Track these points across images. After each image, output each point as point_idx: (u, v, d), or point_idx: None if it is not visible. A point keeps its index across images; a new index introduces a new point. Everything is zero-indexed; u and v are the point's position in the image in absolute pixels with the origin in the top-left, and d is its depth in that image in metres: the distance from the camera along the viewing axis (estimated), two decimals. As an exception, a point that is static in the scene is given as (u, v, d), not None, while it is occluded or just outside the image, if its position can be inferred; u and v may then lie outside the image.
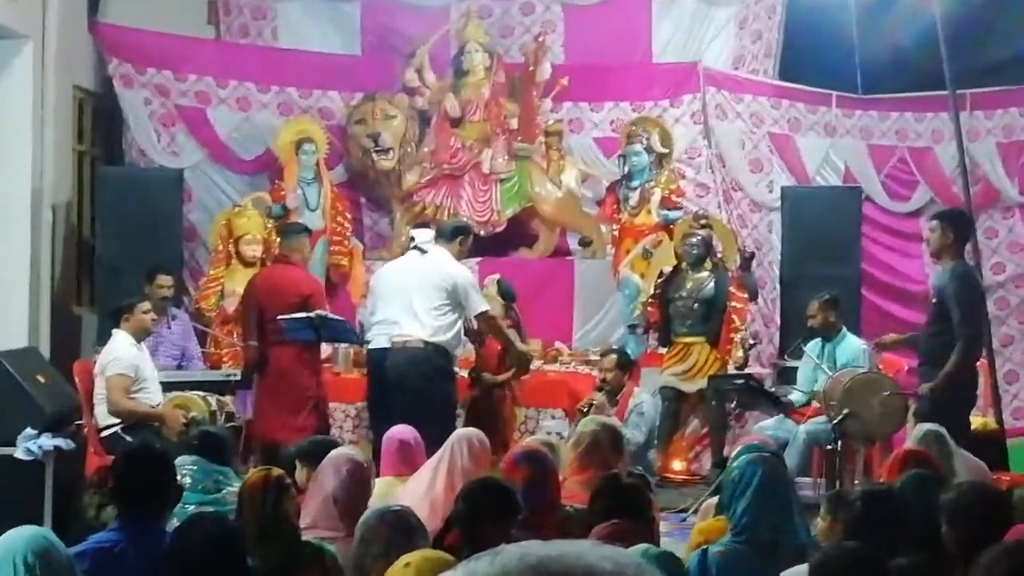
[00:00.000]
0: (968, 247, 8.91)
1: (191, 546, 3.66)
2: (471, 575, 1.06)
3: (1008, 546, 3.65)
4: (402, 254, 11.38)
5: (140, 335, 8.74)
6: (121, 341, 8.64)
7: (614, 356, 9.88)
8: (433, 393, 8.39)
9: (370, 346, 8.80)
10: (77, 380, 8.71)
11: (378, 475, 6.40)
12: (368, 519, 4.33)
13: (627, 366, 9.91)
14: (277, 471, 4.88)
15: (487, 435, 7.43)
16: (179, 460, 6.09)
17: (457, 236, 8.91)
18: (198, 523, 3.90)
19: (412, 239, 9.11)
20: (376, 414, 8.69)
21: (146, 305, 8.84)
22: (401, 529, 4.21)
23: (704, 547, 4.82)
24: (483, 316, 8.69)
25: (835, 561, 3.86)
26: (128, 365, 8.50)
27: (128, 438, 8.10)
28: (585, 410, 8.93)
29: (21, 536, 3.44)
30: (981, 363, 9.18)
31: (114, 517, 4.64)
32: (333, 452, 5.76)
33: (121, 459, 4.60)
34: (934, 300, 8.38)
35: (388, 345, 8.50)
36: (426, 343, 8.43)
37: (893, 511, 4.62)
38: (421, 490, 5.83)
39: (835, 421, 8.39)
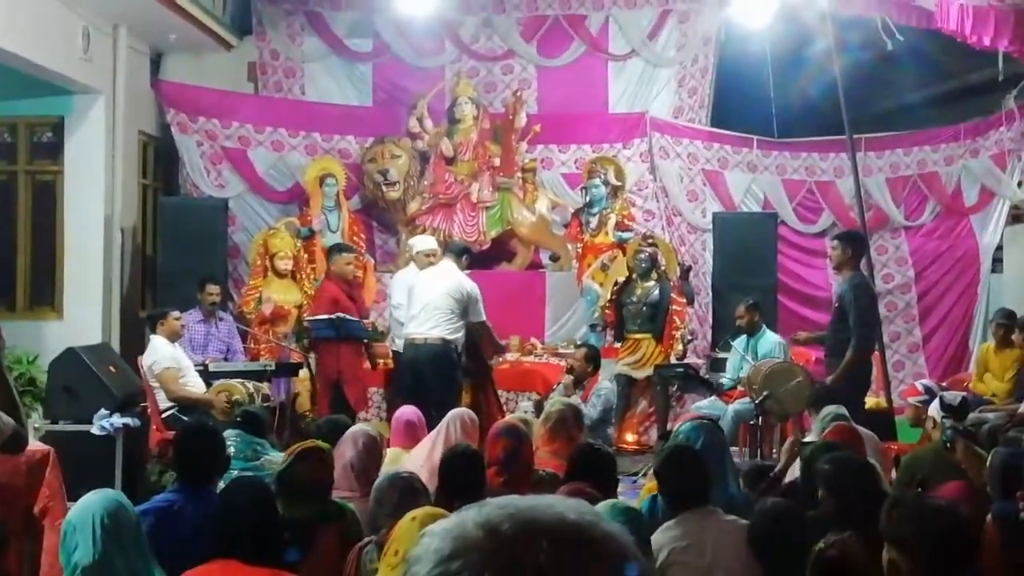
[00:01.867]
0: (863, 262, 8.93)
1: (234, 505, 3.65)
2: (462, 522, 1.07)
3: (903, 495, 3.64)
4: (407, 267, 11.54)
5: (173, 337, 8.68)
6: (159, 342, 8.59)
7: (584, 349, 9.78)
8: (449, 381, 8.59)
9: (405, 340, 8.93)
10: (141, 370, 8.67)
11: (388, 446, 6.42)
12: (381, 483, 4.34)
13: (593, 359, 9.79)
14: (322, 444, 4.84)
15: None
16: (224, 432, 6.08)
17: (464, 255, 9.23)
18: (239, 486, 3.89)
19: (411, 247, 9.60)
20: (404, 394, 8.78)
21: (176, 313, 8.80)
22: (408, 491, 4.22)
23: (653, 493, 4.84)
24: (481, 323, 8.81)
25: (767, 513, 3.88)
26: (171, 358, 8.47)
27: (184, 418, 8.09)
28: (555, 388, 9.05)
29: (97, 498, 3.44)
30: (875, 355, 9.22)
31: (173, 481, 4.64)
32: (352, 427, 5.77)
33: (182, 434, 4.60)
34: (835, 305, 8.40)
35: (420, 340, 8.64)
36: (444, 340, 8.53)
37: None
38: (422, 458, 5.84)
39: (756, 401, 8.41)
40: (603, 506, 3.70)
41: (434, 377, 8.40)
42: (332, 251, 9.78)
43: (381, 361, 10.19)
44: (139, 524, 3.37)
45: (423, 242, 9.76)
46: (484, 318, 8.77)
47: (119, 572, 3.16)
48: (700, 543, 4.06)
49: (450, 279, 8.70)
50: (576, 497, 3.91)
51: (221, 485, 4.44)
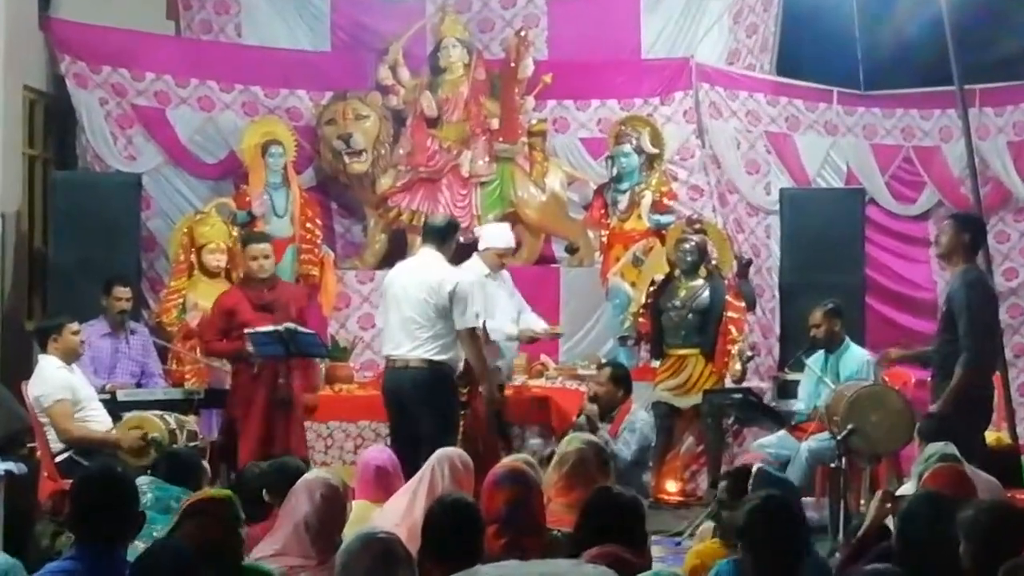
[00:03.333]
0: (980, 253, 8.91)
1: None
2: None
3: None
4: (376, 263, 11.54)
5: (69, 357, 8.65)
6: (49, 366, 8.56)
7: (608, 369, 9.77)
8: (436, 415, 8.46)
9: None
10: (27, 400, 8.66)
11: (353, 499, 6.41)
12: (350, 545, 4.31)
13: (622, 381, 9.78)
14: (216, 493, 4.80)
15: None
16: (138, 480, 6.05)
17: (447, 235, 8.75)
18: (158, 553, 3.87)
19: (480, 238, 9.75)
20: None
21: (75, 326, 8.76)
22: (386, 556, 4.20)
23: (732, 558, 4.82)
24: (466, 331, 8.49)
25: None
26: (64, 387, 8.44)
27: (84, 462, 8.07)
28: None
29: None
30: (996, 375, 9.20)
31: (70, 544, 4.62)
32: (307, 475, 5.74)
33: (78, 483, 4.56)
34: (943, 308, 8.38)
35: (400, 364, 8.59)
36: (429, 362, 8.46)
37: None
38: (398, 515, 5.82)
39: (839, 438, 8.39)
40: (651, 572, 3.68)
41: (420, 411, 8.31)
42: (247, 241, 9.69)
43: (343, 387, 10.18)
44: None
45: (494, 235, 9.62)
46: (472, 324, 8.45)
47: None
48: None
49: (426, 276, 8.47)
50: (602, 563, 3.90)
51: (139, 547, 4.41)
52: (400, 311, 8.47)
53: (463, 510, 4.74)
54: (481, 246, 9.58)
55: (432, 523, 4.62)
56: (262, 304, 9.11)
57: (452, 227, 8.86)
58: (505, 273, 9.79)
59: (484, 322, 8.76)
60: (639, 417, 9.83)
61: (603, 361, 10.51)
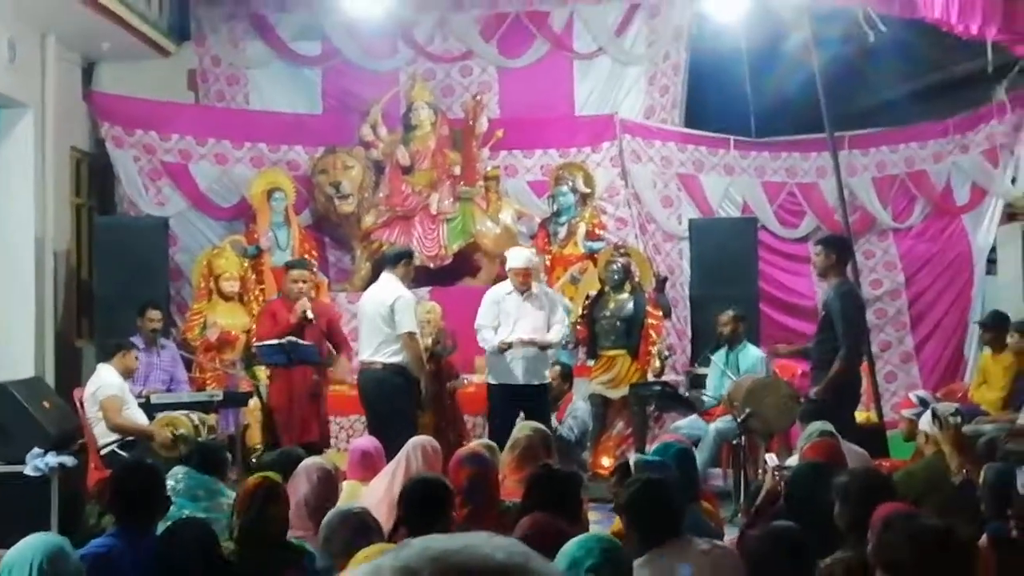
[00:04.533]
0: (849, 267, 8.98)
1: (174, 549, 3.62)
2: (377, 570, 1.05)
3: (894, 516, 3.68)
4: (362, 286, 11.49)
5: (126, 373, 8.70)
6: (107, 372, 8.57)
7: (558, 367, 9.89)
8: (393, 407, 8.38)
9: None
10: (78, 404, 8.62)
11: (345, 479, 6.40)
12: (331, 520, 4.32)
13: (568, 377, 9.94)
14: (273, 477, 4.79)
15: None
16: (173, 470, 6.02)
17: (399, 261, 8.77)
18: (180, 528, 3.86)
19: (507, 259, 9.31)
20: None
21: (137, 352, 8.80)
22: (360, 528, 4.20)
23: None
24: (405, 335, 8.48)
25: (766, 543, 3.87)
26: (116, 387, 8.44)
27: (124, 454, 8.04)
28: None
29: (38, 541, 3.41)
30: (863, 366, 9.26)
31: (111, 524, 4.60)
32: (305, 461, 5.74)
33: (116, 473, 4.56)
34: (821, 314, 8.45)
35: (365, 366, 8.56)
36: (384, 364, 8.43)
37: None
38: (381, 492, 5.81)
39: (739, 420, 8.43)
40: (579, 540, 3.66)
41: (377, 404, 8.33)
42: (288, 267, 9.74)
43: (336, 388, 10.14)
44: (81, 571, 3.34)
45: (510, 257, 9.34)
46: (410, 329, 8.44)
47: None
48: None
49: (376, 295, 8.57)
50: (541, 529, 3.89)
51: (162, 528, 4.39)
52: (365, 325, 8.55)
53: (434, 486, 4.74)
54: (507, 267, 9.35)
55: (408, 497, 4.61)
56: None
57: (401, 255, 8.93)
58: (543, 290, 9.40)
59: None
60: (579, 407, 9.87)
61: (551, 361, 10.52)
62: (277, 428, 9.23)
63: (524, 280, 8.97)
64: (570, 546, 3.56)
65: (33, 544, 3.27)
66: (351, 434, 10.06)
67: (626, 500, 4.27)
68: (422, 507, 4.51)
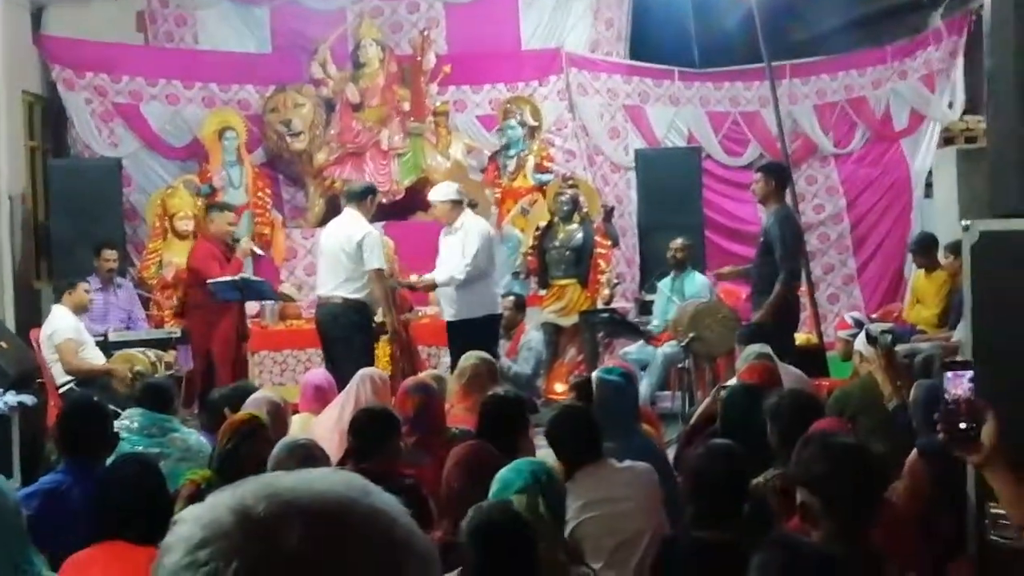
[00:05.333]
0: (787, 193, 9.00)
1: (119, 483, 3.61)
2: (214, 506, 1.03)
3: (812, 435, 3.73)
4: (316, 223, 11.43)
5: (79, 310, 8.63)
6: (61, 313, 8.53)
7: (511, 298, 9.92)
8: (351, 342, 8.29)
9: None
10: (35, 345, 8.55)
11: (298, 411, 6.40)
12: (279, 452, 4.31)
13: (521, 307, 9.97)
14: (259, 418, 4.76)
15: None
16: (128, 411, 5.98)
17: (365, 196, 8.51)
18: (121, 464, 3.85)
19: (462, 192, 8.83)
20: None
21: (86, 285, 8.73)
22: (307, 459, 4.20)
23: None
24: (373, 271, 8.24)
25: (703, 459, 3.89)
26: (71, 329, 8.39)
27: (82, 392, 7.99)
28: None
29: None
30: (803, 289, 9.32)
31: (57, 461, 4.58)
32: (254, 395, 5.73)
33: (63, 411, 4.54)
34: (761, 239, 8.47)
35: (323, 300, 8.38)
36: (345, 299, 8.31)
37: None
38: (331, 422, 5.81)
39: (683, 344, 8.48)
40: (512, 465, 3.68)
41: (334, 339, 8.22)
42: (210, 209, 9.43)
43: (293, 323, 10.12)
44: (19, 509, 3.30)
45: (437, 191, 8.91)
46: (378, 265, 8.24)
47: (-7, 560, 3.11)
48: (601, 497, 4.10)
49: (341, 230, 8.30)
50: (475, 455, 3.90)
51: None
52: (325, 260, 8.38)
53: (380, 415, 4.75)
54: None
55: (354, 427, 4.62)
56: (227, 259, 9.10)
57: (368, 190, 8.67)
58: (467, 226, 8.67)
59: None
60: (532, 337, 9.90)
61: (505, 291, 10.54)
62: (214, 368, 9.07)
63: (440, 215, 8.74)
64: (503, 471, 3.59)
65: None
66: (284, 369, 10.00)
67: (548, 427, 4.30)
68: (368, 436, 4.52)
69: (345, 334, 8.14)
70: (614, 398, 5.16)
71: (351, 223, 8.33)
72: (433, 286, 8.79)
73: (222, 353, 8.75)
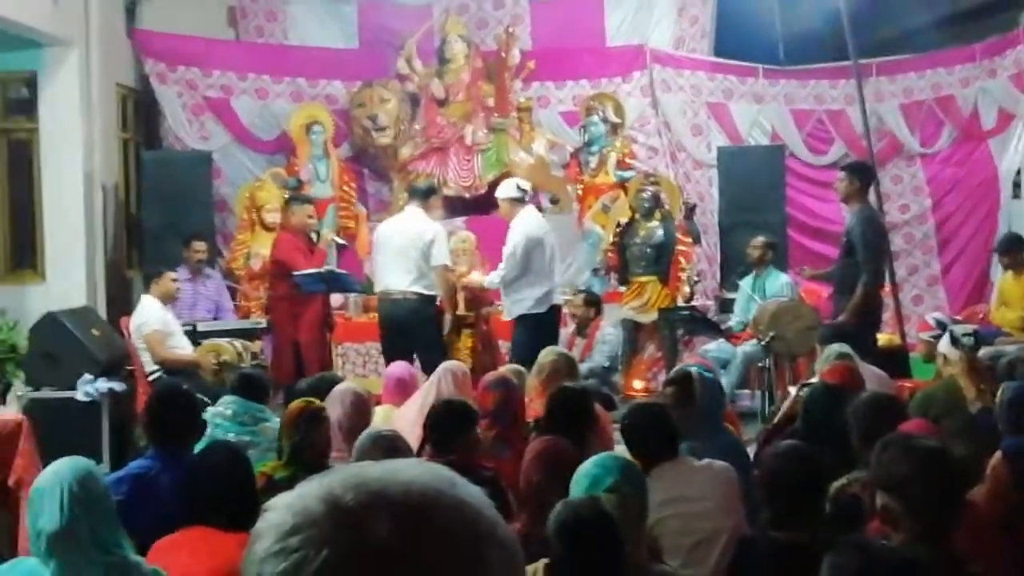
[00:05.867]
0: (872, 193, 8.89)
1: (207, 470, 3.67)
2: (304, 494, 1.05)
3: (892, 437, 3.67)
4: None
5: (166, 299, 8.73)
6: (150, 303, 8.64)
7: (583, 295, 9.91)
8: (431, 336, 8.45)
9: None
10: (125, 333, 8.72)
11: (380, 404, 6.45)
12: (362, 443, 4.35)
13: (593, 303, 9.92)
14: (317, 403, 4.85)
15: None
16: (222, 399, 6.07)
17: (429, 195, 8.73)
18: (209, 451, 3.91)
19: (523, 188, 8.81)
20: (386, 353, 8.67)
21: (172, 275, 8.84)
22: (391, 450, 4.23)
23: None
24: (440, 267, 8.48)
25: (779, 460, 3.86)
26: (158, 320, 8.52)
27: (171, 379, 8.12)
28: None
29: (67, 465, 3.43)
30: (887, 290, 9.20)
31: (146, 447, 4.66)
32: (338, 386, 5.78)
33: (151, 399, 4.62)
34: (844, 239, 8.38)
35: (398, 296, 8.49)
36: (420, 295, 8.44)
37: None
38: (413, 415, 5.84)
39: (763, 343, 8.42)
40: (597, 459, 3.67)
41: (416, 335, 8.33)
42: (291, 202, 9.46)
43: (375, 315, 10.18)
44: (108, 493, 3.38)
45: (500, 188, 9.11)
46: (444, 262, 8.44)
47: (85, 541, 3.18)
48: (678, 495, 4.09)
49: (411, 227, 8.46)
50: (551, 449, 3.91)
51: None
52: (393, 255, 8.47)
53: (459, 409, 4.78)
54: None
55: (431, 419, 4.66)
56: (310, 251, 9.08)
57: (431, 189, 8.89)
58: (513, 224, 8.82)
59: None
60: (607, 332, 9.88)
61: (579, 289, 10.53)
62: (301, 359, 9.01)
63: (502, 213, 8.84)
64: (588, 465, 3.57)
65: (62, 468, 3.31)
66: (367, 360, 10.08)
67: (624, 423, 4.29)
68: (445, 429, 4.55)
69: (425, 328, 8.26)
70: (712, 395, 5.14)
71: (420, 221, 8.51)
72: (482, 286, 8.97)
73: (309, 343, 8.82)
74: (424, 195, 8.69)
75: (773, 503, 3.73)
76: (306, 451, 4.57)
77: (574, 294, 10.09)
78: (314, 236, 9.29)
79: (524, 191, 8.69)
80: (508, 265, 8.50)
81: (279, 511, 1.04)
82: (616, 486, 3.48)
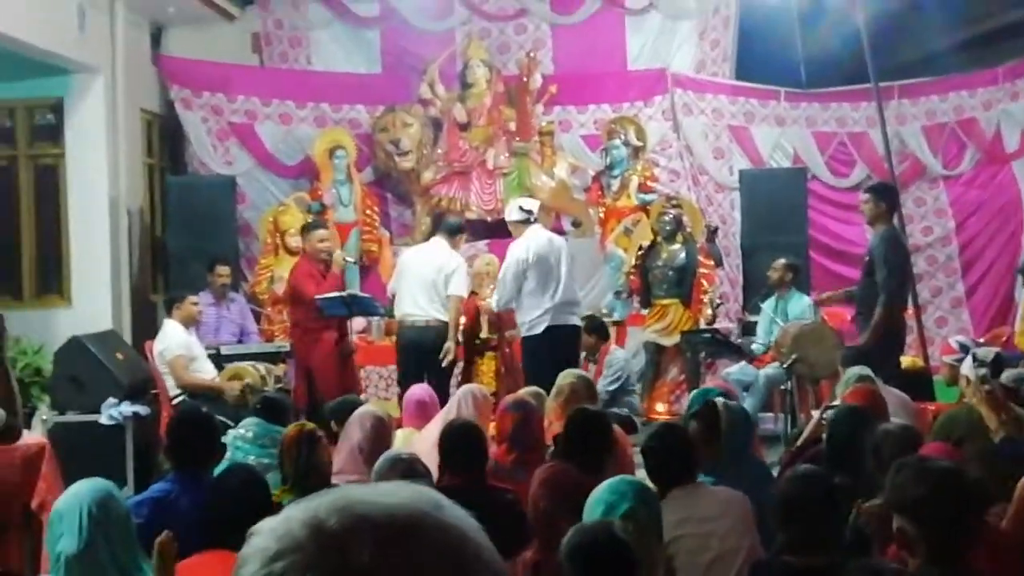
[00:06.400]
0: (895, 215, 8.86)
1: (226, 493, 3.68)
2: (288, 518, 1.05)
3: (908, 459, 3.64)
4: (423, 240, 11.53)
5: (188, 322, 8.79)
6: (172, 328, 8.70)
7: (585, 320, 9.79)
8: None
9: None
10: (149, 356, 8.76)
11: (400, 427, 6.46)
12: (381, 465, 4.36)
13: (596, 330, 9.80)
14: (310, 425, 4.87)
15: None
16: (244, 420, 6.11)
17: (458, 233, 8.98)
18: (229, 474, 3.93)
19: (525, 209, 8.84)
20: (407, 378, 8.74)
21: (194, 298, 8.89)
22: (409, 473, 4.23)
23: None
24: (456, 297, 8.68)
25: (796, 485, 3.84)
26: (181, 345, 8.55)
27: (195, 403, 8.15)
28: None
29: (86, 487, 3.46)
30: (910, 312, 9.15)
31: (168, 471, 4.68)
32: (359, 409, 5.79)
33: (171, 422, 4.64)
34: (866, 259, 8.35)
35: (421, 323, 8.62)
36: (441, 321, 8.56)
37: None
38: (433, 438, 5.84)
39: (785, 365, 8.39)
40: (610, 484, 3.66)
41: (433, 360, 8.44)
42: (305, 229, 9.51)
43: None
44: (128, 516, 3.41)
45: (508, 212, 9.17)
46: (460, 293, 8.66)
47: (104, 563, 3.20)
48: (696, 515, 4.07)
49: (436, 258, 8.67)
50: (556, 476, 3.89)
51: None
52: (420, 283, 8.57)
53: (469, 431, 4.78)
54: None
55: (443, 443, 4.66)
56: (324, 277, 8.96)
57: (461, 227, 9.15)
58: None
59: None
60: (615, 356, 9.85)
61: (604, 311, 10.53)
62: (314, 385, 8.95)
63: (513, 234, 8.86)
64: (602, 491, 3.56)
65: (82, 490, 3.33)
66: (389, 384, 10.11)
67: (643, 446, 4.28)
68: (456, 452, 4.55)
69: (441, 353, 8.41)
70: (739, 426, 5.12)
71: (446, 252, 8.72)
72: (491, 309, 9.12)
73: (321, 370, 8.80)
74: (452, 231, 8.92)
75: (788, 527, 3.71)
76: (310, 475, 4.56)
77: (581, 319, 10.07)
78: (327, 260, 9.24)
79: (528, 211, 8.74)
80: (498, 290, 8.62)
81: (264, 535, 1.04)
82: (631, 511, 3.47)
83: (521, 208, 8.78)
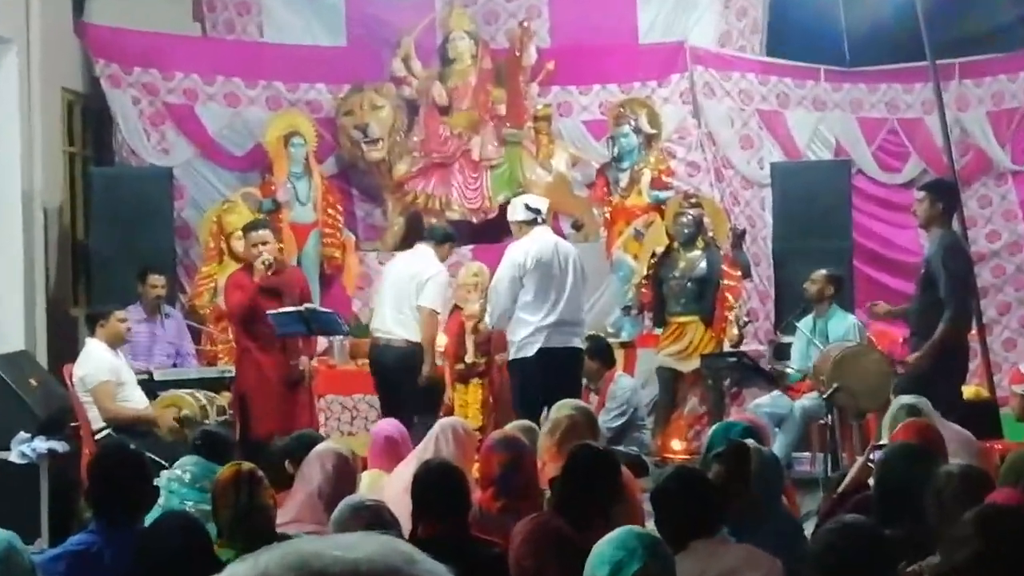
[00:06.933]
0: (955, 217, 8.89)
1: (155, 545, 3.68)
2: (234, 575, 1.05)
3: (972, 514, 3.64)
4: (395, 245, 11.58)
5: (115, 342, 8.77)
6: (96, 349, 8.69)
7: (587, 343, 9.80)
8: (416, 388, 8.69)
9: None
10: (68, 382, 8.74)
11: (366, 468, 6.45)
12: (341, 513, 4.36)
13: (600, 353, 9.85)
14: (248, 465, 4.85)
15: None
16: (181, 460, 6.11)
17: (447, 242, 9.11)
18: (163, 522, 3.92)
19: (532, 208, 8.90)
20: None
21: (121, 314, 8.87)
22: (374, 523, 4.23)
23: None
24: (426, 310, 8.77)
25: (837, 537, 3.83)
26: (106, 370, 8.54)
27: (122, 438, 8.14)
28: None
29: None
30: (973, 333, 9.17)
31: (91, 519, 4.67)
32: (319, 447, 5.80)
33: (95, 461, 4.63)
34: (922, 271, 8.37)
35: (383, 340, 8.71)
36: (408, 341, 8.58)
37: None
38: (405, 482, 5.83)
39: (824, 396, 8.40)
40: (615, 538, 3.65)
41: (404, 384, 8.43)
42: (244, 229, 9.45)
43: (365, 362, 10.22)
44: (34, 572, 3.40)
45: (511, 210, 9.21)
46: (435, 307, 8.72)
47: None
48: (719, 571, 4.07)
49: (412, 266, 8.76)
50: (539, 530, 3.89)
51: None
52: (390, 293, 8.62)
53: (447, 473, 4.77)
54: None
55: (419, 485, 4.65)
56: (271, 288, 8.84)
57: (450, 237, 9.34)
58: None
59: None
60: (619, 385, 9.87)
61: (610, 330, 10.54)
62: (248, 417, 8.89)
63: (514, 235, 9.00)
64: (607, 547, 3.56)
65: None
66: (354, 416, 10.11)
67: (655, 492, 4.28)
68: (432, 497, 4.54)
69: (412, 379, 8.38)
70: (768, 471, 5.11)
71: (424, 259, 8.83)
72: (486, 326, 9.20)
73: (256, 400, 8.76)
74: (441, 239, 9.08)
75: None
76: (250, 522, 4.54)
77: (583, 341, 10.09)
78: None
79: (535, 211, 8.75)
80: (491, 303, 8.67)
81: None
82: (643, 572, 3.47)
83: (527, 207, 8.80)
